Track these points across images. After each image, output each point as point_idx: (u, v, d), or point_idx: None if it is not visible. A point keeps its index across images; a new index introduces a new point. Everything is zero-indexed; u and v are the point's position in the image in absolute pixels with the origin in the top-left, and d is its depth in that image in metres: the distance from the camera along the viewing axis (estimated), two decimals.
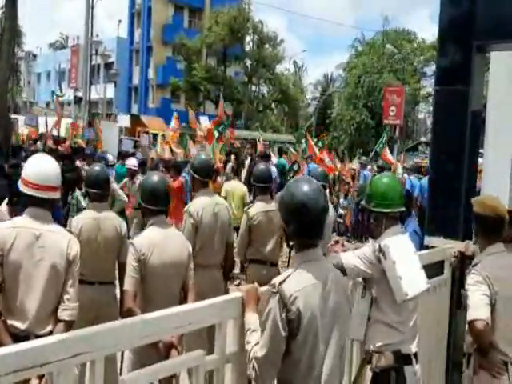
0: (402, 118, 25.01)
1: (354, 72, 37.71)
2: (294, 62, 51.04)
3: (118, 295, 3.91)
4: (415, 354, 2.96)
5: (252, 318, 2.24)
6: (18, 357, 1.63)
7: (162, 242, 3.35)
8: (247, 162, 13.01)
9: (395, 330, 2.92)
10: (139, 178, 8.87)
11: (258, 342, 2.14)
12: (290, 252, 2.35)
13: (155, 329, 2.07)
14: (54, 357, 1.69)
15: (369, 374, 3.01)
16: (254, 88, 41.68)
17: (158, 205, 3.44)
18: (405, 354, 2.92)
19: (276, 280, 2.14)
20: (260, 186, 5.40)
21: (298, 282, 2.12)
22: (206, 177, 4.77)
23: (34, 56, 56.62)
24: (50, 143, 14.48)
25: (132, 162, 9.78)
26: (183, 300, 3.38)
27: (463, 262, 4.06)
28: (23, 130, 19.94)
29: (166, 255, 3.33)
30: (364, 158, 15.98)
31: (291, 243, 2.29)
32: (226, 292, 4.72)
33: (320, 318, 2.13)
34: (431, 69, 36.91)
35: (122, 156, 11.60)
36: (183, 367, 2.26)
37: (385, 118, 24.94)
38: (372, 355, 2.91)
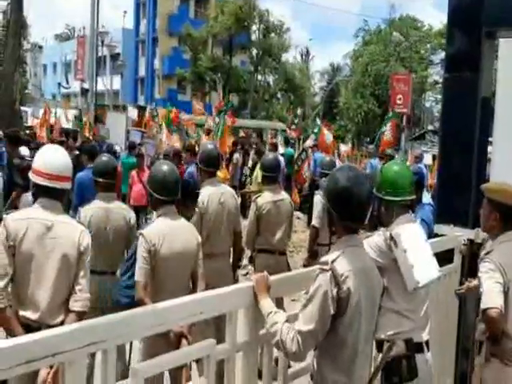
0: (409, 106, 24.82)
1: (360, 60, 37.45)
2: (306, 49, 50.72)
3: None
4: (427, 342, 2.96)
5: (268, 303, 2.27)
6: (30, 347, 1.63)
7: (172, 232, 3.34)
8: (252, 152, 12.91)
9: (406, 319, 2.91)
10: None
11: (286, 320, 2.19)
12: (330, 237, 2.48)
13: (166, 318, 2.07)
14: (65, 347, 1.69)
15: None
16: (260, 77, 41.52)
17: (167, 195, 3.42)
18: (416, 343, 2.91)
19: (327, 258, 2.22)
20: (268, 175, 5.39)
21: (347, 263, 2.20)
22: (210, 166, 4.76)
23: (40, 47, 56.55)
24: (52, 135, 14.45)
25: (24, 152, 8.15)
26: (192, 289, 3.38)
27: (473, 250, 4.04)
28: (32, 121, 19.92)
29: (176, 245, 3.33)
30: (371, 146, 15.81)
31: (333, 229, 2.40)
32: (235, 281, 4.72)
33: (364, 301, 2.22)
34: (438, 57, 36.58)
35: (129, 147, 11.55)
36: (194, 357, 2.27)
37: (392, 106, 24.74)
38: (383, 344, 2.90)
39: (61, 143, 10.36)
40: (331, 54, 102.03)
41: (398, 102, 24.24)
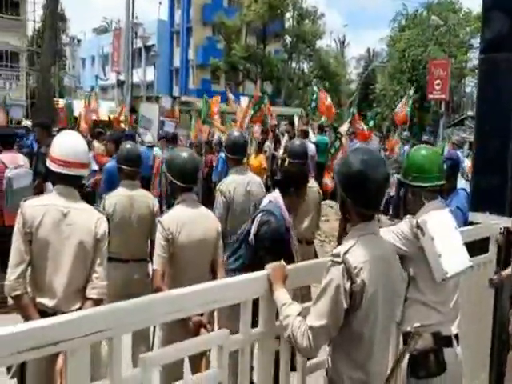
0: (447, 92, 24.08)
1: (397, 46, 36.59)
2: (343, 36, 50.14)
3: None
4: (456, 336, 2.81)
5: (283, 294, 2.17)
6: (33, 335, 1.60)
7: (191, 220, 3.28)
8: (284, 139, 12.73)
9: (434, 311, 2.76)
10: None
11: (299, 313, 2.09)
12: (345, 225, 2.41)
13: (178, 306, 2.01)
14: (68, 335, 1.65)
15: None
16: (294, 65, 41.18)
17: (186, 182, 3.35)
18: (445, 336, 2.76)
19: (339, 250, 2.08)
20: (295, 162, 5.27)
21: (361, 253, 2.06)
22: (235, 154, 4.68)
23: (79, 41, 57.49)
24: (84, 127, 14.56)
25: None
26: (213, 278, 3.32)
27: (509, 239, 3.85)
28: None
29: (195, 233, 3.26)
30: (405, 133, 15.42)
31: (347, 216, 2.24)
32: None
33: (382, 293, 2.09)
34: (478, 41, 35.38)
35: (172, 138, 11.32)
36: (206, 346, 2.20)
37: (429, 92, 24.04)
38: (409, 337, 2.77)
39: (99, 134, 10.49)
40: (366, 41, 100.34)
41: (436, 87, 23.56)
